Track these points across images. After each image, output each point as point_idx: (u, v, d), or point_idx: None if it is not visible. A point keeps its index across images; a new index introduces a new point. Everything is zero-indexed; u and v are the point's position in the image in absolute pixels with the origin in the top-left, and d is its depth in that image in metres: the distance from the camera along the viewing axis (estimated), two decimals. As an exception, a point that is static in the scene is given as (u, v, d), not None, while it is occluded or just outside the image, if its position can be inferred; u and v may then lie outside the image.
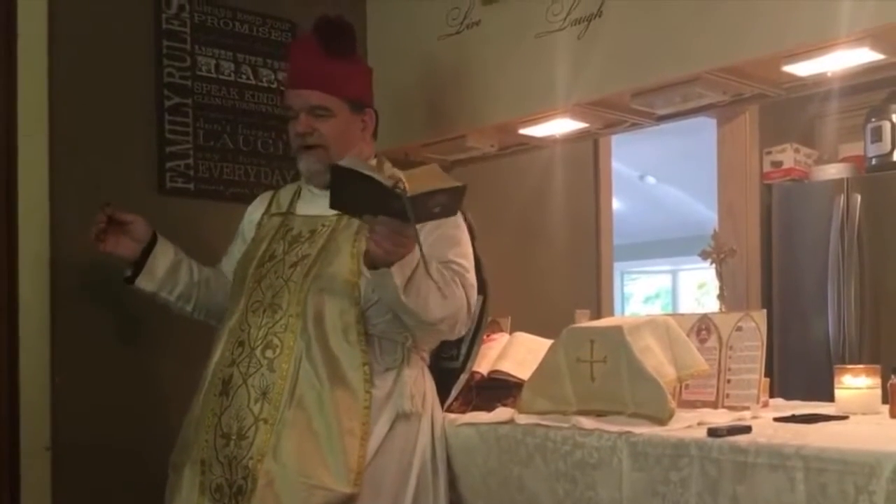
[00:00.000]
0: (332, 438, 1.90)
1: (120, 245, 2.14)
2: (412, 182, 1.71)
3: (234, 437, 1.93)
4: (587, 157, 3.82)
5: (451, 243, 2.06)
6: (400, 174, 1.76)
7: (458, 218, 2.10)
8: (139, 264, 2.16)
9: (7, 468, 2.29)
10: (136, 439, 2.41)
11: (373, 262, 1.83)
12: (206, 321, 2.27)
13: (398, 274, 1.82)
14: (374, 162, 2.18)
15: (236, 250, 2.25)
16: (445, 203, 1.74)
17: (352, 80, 2.12)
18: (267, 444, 1.89)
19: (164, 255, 2.18)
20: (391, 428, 1.98)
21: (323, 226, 2.07)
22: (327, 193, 1.93)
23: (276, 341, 1.97)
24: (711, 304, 2.38)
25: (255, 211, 2.28)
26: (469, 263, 2.08)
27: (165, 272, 2.18)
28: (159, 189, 2.56)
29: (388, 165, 2.20)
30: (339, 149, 2.09)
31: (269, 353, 1.96)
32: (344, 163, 1.79)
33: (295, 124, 2.10)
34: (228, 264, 2.27)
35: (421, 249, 1.82)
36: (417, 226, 1.77)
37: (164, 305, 2.25)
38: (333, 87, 2.07)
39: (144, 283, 2.17)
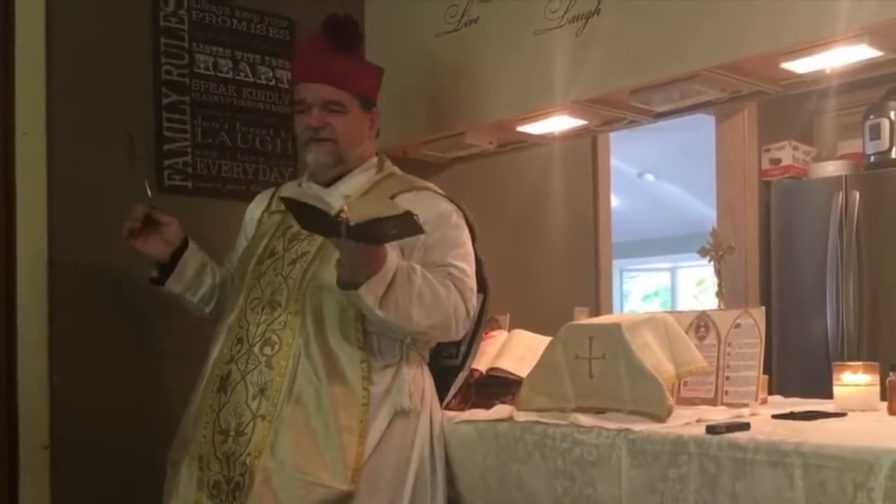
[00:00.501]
0: (330, 435, 1.89)
1: (149, 244, 2.13)
2: (356, 209, 1.74)
3: (232, 434, 1.93)
4: (586, 154, 3.82)
5: (452, 245, 2.06)
6: (346, 204, 1.80)
7: (459, 218, 2.10)
8: (167, 266, 2.16)
9: (6, 467, 2.29)
10: (133, 437, 2.41)
11: (342, 283, 1.85)
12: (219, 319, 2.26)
13: (367, 293, 1.83)
14: (375, 160, 2.18)
15: (240, 249, 2.25)
16: (401, 227, 1.78)
17: (362, 76, 2.13)
18: (265, 440, 1.89)
19: (194, 260, 2.19)
20: (389, 425, 1.98)
21: (322, 223, 2.07)
22: (328, 190, 2.05)
23: (274, 338, 1.97)
24: (710, 302, 2.37)
25: (255, 208, 2.28)
26: (469, 266, 2.08)
27: (193, 275, 2.19)
28: (157, 187, 2.56)
29: (388, 164, 2.20)
30: (348, 145, 2.10)
31: (267, 350, 1.96)
32: (290, 194, 1.85)
33: (307, 118, 2.08)
34: (233, 264, 2.27)
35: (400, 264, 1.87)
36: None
37: (185, 305, 2.25)
38: (346, 82, 2.08)
39: (173, 285, 2.18)
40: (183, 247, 2.17)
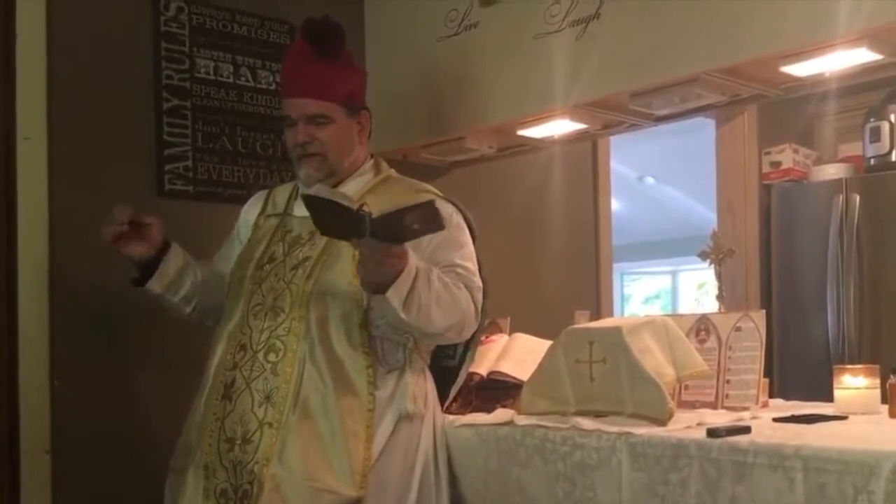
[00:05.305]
0: (337, 441, 1.90)
1: (132, 247, 2.09)
2: (376, 204, 1.74)
3: (238, 442, 1.92)
4: (586, 157, 3.82)
5: (456, 246, 2.06)
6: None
7: (460, 219, 2.11)
8: (148, 266, 2.12)
9: (7, 471, 2.29)
10: (134, 442, 2.41)
11: (367, 286, 1.84)
12: (200, 321, 2.24)
13: (394, 296, 1.82)
14: (370, 163, 2.18)
15: (235, 249, 2.23)
16: (423, 219, 1.75)
17: (346, 82, 2.10)
18: (272, 448, 1.89)
19: (176, 259, 2.15)
20: (394, 430, 1.98)
21: (322, 227, 2.06)
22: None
23: (278, 345, 1.96)
24: (711, 305, 2.37)
25: (249, 211, 2.26)
26: (474, 265, 2.08)
27: (174, 275, 2.14)
28: (158, 191, 2.56)
29: (384, 166, 2.20)
30: (338, 155, 2.09)
31: (271, 357, 1.96)
32: (312, 191, 1.83)
33: (294, 133, 2.08)
34: (223, 264, 2.25)
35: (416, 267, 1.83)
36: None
37: (165, 306, 2.21)
38: (329, 92, 2.05)
39: (154, 285, 2.12)
40: (164, 246, 2.13)
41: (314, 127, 2.06)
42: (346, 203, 1.75)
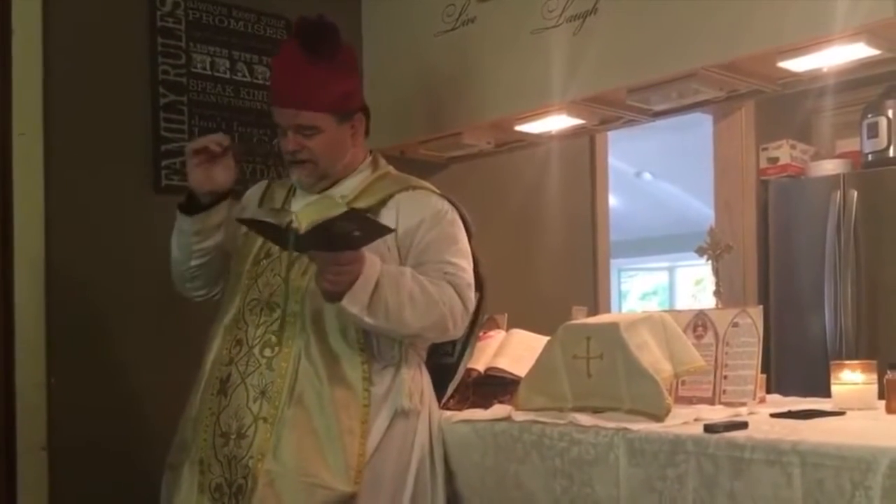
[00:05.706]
0: (332, 437, 1.89)
1: (199, 170, 2.02)
2: (305, 218, 1.75)
3: (233, 437, 1.92)
4: (583, 153, 3.82)
5: (448, 242, 2.05)
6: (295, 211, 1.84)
7: (455, 215, 2.10)
8: (194, 201, 2.06)
9: (4, 468, 2.29)
10: (131, 439, 2.41)
11: (326, 296, 1.85)
12: (188, 287, 2.16)
13: (352, 303, 1.83)
14: (368, 161, 2.17)
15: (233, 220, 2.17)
16: (360, 226, 1.76)
17: (337, 86, 2.04)
18: (267, 443, 1.89)
19: (225, 211, 2.09)
20: (390, 425, 1.97)
21: (319, 223, 2.06)
22: (322, 194, 2.07)
23: (274, 340, 1.96)
24: (708, 301, 2.37)
25: (250, 202, 2.21)
26: (467, 262, 2.07)
27: (215, 224, 2.08)
28: (155, 187, 2.56)
29: (383, 163, 2.19)
30: (329, 161, 2.06)
31: (267, 352, 1.96)
32: (247, 214, 1.87)
33: (284, 141, 2.06)
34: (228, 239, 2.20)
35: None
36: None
37: (179, 246, 2.11)
38: (317, 102, 2.01)
39: (197, 222, 2.06)
40: (222, 195, 2.08)
41: (303, 137, 2.03)
42: (270, 220, 1.78)
